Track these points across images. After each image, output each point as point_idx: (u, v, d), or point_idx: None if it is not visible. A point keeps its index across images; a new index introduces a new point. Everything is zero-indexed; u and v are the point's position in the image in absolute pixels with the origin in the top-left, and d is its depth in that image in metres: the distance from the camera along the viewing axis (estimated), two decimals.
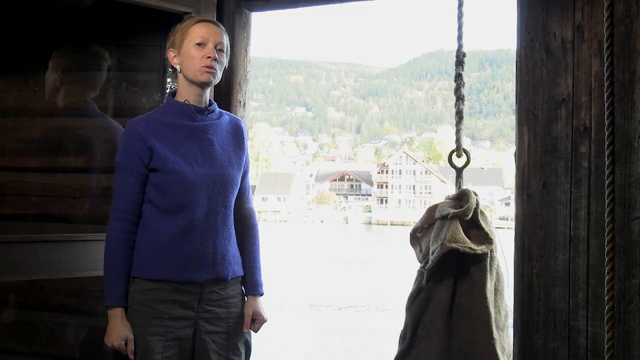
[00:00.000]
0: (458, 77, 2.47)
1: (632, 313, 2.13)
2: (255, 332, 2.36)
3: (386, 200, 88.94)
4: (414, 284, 2.36)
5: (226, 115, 2.38)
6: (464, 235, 2.29)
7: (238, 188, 2.32)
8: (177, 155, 2.20)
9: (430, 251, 2.29)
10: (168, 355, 2.17)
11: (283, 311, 17.00)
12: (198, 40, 2.24)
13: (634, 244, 2.14)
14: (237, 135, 2.37)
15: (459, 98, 2.47)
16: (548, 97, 2.29)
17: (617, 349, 2.08)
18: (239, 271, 2.33)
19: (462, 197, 2.36)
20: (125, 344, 2.15)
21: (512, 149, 2.44)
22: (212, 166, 2.24)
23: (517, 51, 2.35)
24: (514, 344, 2.35)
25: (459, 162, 2.44)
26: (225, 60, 2.33)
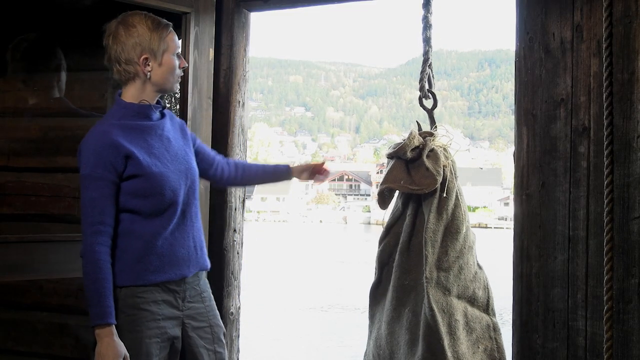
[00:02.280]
0: (424, 19, 2.48)
1: (631, 313, 2.13)
2: (325, 177, 2.58)
3: None
4: (386, 220, 2.47)
5: (164, 112, 2.33)
6: (405, 175, 2.35)
7: (198, 179, 2.33)
8: (152, 157, 2.17)
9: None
10: (163, 356, 2.16)
11: (286, 313, 17.00)
12: (178, 51, 2.24)
13: (633, 244, 2.14)
14: (180, 128, 2.35)
15: (425, 41, 2.48)
16: (547, 97, 2.29)
17: (616, 348, 2.09)
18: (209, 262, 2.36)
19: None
20: None
21: (511, 149, 2.44)
22: (179, 162, 2.24)
23: (516, 51, 2.35)
24: (513, 344, 2.35)
25: (428, 104, 2.48)
26: None
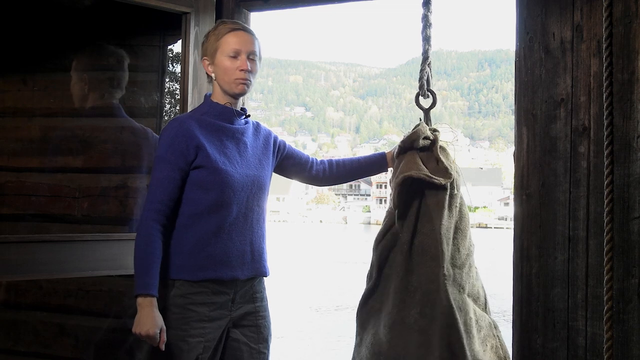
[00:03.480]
0: (424, 18, 2.47)
1: (630, 313, 2.13)
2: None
3: (385, 200, 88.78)
4: (382, 224, 2.39)
5: (249, 121, 2.43)
6: (421, 165, 2.32)
7: (267, 190, 2.40)
8: (222, 154, 2.25)
9: (392, 187, 2.33)
10: (207, 355, 2.21)
11: (288, 312, 17.00)
12: (231, 53, 2.28)
13: (633, 244, 2.14)
14: (264, 140, 2.43)
15: (425, 39, 2.47)
16: (547, 97, 2.29)
17: (616, 349, 2.08)
18: (269, 270, 2.41)
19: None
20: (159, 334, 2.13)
21: (511, 149, 2.44)
22: (249, 167, 2.32)
23: (516, 51, 2.35)
24: (513, 344, 2.35)
25: (425, 103, 2.45)
26: (258, 67, 2.37)
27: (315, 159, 2.63)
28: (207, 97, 2.37)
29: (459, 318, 2.21)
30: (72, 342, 3.25)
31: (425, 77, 2.45)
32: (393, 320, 2.28)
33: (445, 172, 2.30)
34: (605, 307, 2.06)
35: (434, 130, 2.41)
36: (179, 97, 2.94)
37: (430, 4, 2.46)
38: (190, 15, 2.82)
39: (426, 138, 2.36)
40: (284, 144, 2.53)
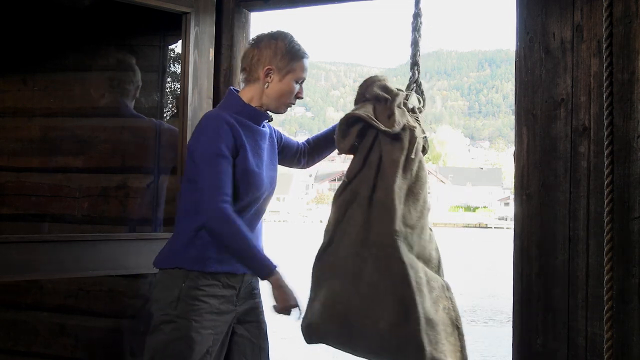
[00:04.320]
0: (414, 44, 2.48)
1: (631, 313, 2.13)
2: None
3: None
4: (342, 181, 2.41)
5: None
6: (371, 111, 2.36)
7: None
8: (255, 156, 2.31)
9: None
10: (215, 349, 2.25)
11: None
12: (300, 79, 2.36)
13: (633, 244, 2.14)
14: (270, 138, 2.47)
15: (414, 63, 2.49)
16: (547, 97, 2.29)
17: (616, 349, 2.08)
18: None
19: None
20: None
21: (511, 149, 2.44)
22: (269, 169, 2.39)
23: (516, 51, 2.35)
24: (513, 344, 2.35)
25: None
26: None
27: (301, 143, 2.69)
28: (238, 96, 2.37)
29: (411, 274, 2.23)
30: (72, 342, 3.25)
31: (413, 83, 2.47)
32: (346, 274, 2.29)
33: (392, 124, 2.33)
34: (605, 307, 2.06)
35: (399, 90, 2.44)
36: (179, 97, 2.94)
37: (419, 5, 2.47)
38: (190, 15, 2.82)
39: (386, 91, 2.39)
40: (280, 135, 2.58)
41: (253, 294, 2.39)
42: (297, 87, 2.37)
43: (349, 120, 2.36)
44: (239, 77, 2.45)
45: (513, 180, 2.39)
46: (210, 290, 2.23)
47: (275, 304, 2.25)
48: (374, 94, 2.39)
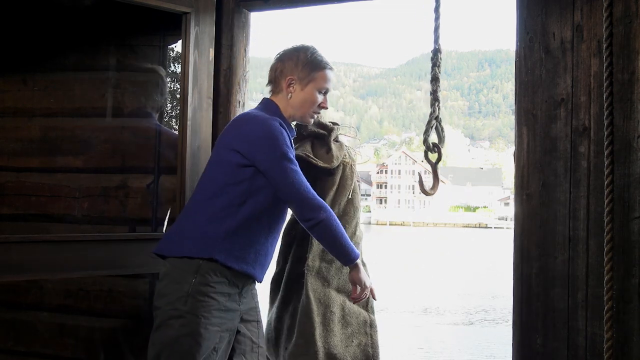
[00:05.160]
0: (434, 80, 2.51)
1: (631, 313, 2.13)
2: None
3: (385, 200, 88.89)
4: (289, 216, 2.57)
5: None
6: (309, 148, 2.55)
7: None
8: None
9: None
10: (222, 346, 2.26)
11: None
12: (323, 89, 2.43)
13: (633, 243, 2.14)
14: None
15: (435, 99, 2.52)
16: (547, 97, 2.29)
17: (616, 349, 2.08)
18: None
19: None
20: None
21: (512, 149, 2.44)
22: None
23: (517, 51, 2.35)
24: (513, 344, 2.35)
25: (433, 157, 2.55)
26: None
27: None
28: (277, 107, 2.42)
29: (314, 309, 2.41)
30: (72, 342, 3.25)
31: (431, 131, 2.50)
32: (279, 303, 2.51)
33: (330, 159, 2.49)
34: (605, 307, 2.06)
35: (334, 124, 2.60)
36: (179, 97, 2.94)
37: (440, 64, 2.54)
38: (190, 15, 2.82)
39: (322, 127, 2.55)
40: None
41: (252, 294, 2.40)
42: (320, 97, 2.43)
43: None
44: (266, 88, 2.49)
45: (513, 180, 2.39)
46: (218, 288, 2.23)
47: (355, 289, 2.37)
48: (310, 131, 2.56)
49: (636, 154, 2.14)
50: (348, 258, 2.32)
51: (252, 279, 2.34)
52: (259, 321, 2.43)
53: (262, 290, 2.46)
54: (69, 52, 3.21)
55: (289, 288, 2.55)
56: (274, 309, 2.60)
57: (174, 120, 3.23)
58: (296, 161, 2.29)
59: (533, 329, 2.29)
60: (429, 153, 2.50)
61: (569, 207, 2.25)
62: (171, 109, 3.27)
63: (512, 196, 2.49)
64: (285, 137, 2.28)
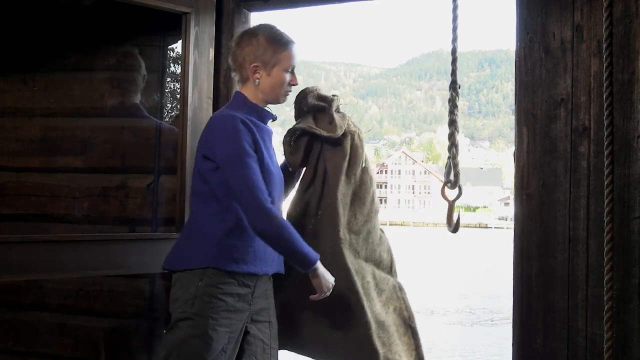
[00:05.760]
0: (452, 124, 2.39)
1: (631, 313, 2.13)
2: None
3: (385, 200, 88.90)
4: (296, 192, 2.50)
5: None
6: (311, 120, 2.45)
7: None
8: (268, 155, 2.32)
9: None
10: (230, 346, 2.25)
11: None
12: (289, 68, 2.35)
13: (633, 243, 2.14)
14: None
15: (453, 144, 2.40)
16: (547, 97, 2.29)
17: (616, 348, 2.08)
18: None
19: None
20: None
21: (511, 149, 2.44)
22: (278, 168, 2.40)
23: (516, 51, 2.35)
24: (513, 344, 2.35)
25: (451, 194, 2.40)
26: None
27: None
28: (245, 98, 2.36)
29: (356, 280, 2.34)
30: (72, 342, 3.25)
31: (452, 170, 2.40)
32: (299, 283, 2.34)
33: (334, 128, 2.41)
34: (605, 307, 2.06)
35: (334, 95, 2.52)
36: (179, 97, 2.94)
37: (458, 93, 2.41)
38: (190, 15, 2.82)
39: (322, 99, 2.48)
40: None
41: (266, 294, 2.38)
42: (288, 76, 2.35)
43: (293, 135, 2.45)
44: (235, 78, 2.43)
45: (513, 180, 2.39)
46: (226, 289, 2.23)
47: (315, 293, 2.29)
48: (310, 105, 2.48)
49: (636, 154, 2.14)
50: (305, 263, 2.23)
51: (262, 275, 2.32)
52: (270, 322, 2.39)
53: None
54: (69, 52, 3.20)
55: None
56: (291, 290, 2.43)
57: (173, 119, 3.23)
58: (253, 160, 2.20)
59: (533, 329, 2.29)
60: (446, 188, 2.40)
61: (569, 207, 2.25)
62: (171, 109, 3.27)
63: (512, 196, 2.48)
64: (240, 133, 2.21)
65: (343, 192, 2.38)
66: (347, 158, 2.42)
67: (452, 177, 2.39)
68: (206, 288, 2.21)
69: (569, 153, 2.26)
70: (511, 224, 2.48)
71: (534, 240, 2.30)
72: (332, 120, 2.43)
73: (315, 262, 2.24)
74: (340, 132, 2.40)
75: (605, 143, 2.09)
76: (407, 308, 2.46)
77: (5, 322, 3.31)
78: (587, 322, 2.20)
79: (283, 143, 2.46)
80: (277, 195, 2.34)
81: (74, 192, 3.22)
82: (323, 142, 2.44)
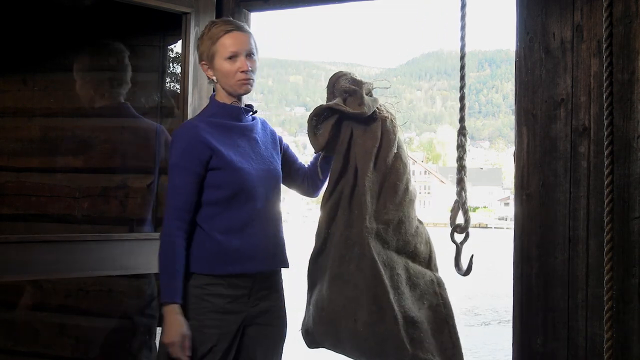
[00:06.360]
0: (461, 155, 2.36)
1: (631, 313, 2.13)
2: None
3: None
4: (328, 182, 2.37)
5: (257, 117, 2.46)
6: (341, 102, 2.31)
7: (281, 183, 2.42)
8: (236, 153, 2.29)
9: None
10: (222, 348, 2.23)
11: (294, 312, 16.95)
12: (229, 55, 2.29)
13: (633, 244, 2.14)
14: (271, 134, 2.46)
15: (462, 189, 2.35)
16: (547, 97, 2.29)
17: (616, 349, 2.08)
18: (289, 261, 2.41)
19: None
20: (183, 342, 2.18)
21: (511, 149, 2.44)
22: (263, 162, 2.35)
23: (516, 51, 2.35)
24: (513, 344, 2.35)
25: (459, 237, 2.38)
26: (257, 63, 2.36)
27: (305, 165, 2.58)
28: (213, 98, 2.39)
29: (383, 272, 2.19)
30: (72, 342, 3.25)
31: (466, 216, 2.36)
32: (332, 276, 2.27)
33: (362, 108, 2.27)
34: (605, 307, 2.06)
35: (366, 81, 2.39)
36: (179, 97, 2.93)
37: (466, 134, 2.37)
38: (190, 15, 2.82)
39: (354, 82, 2.34)
40: (286, 145, 2.55)
41: (271, 297, 2.35)
42: (230, 63, 2.28)
43: (319, 114, 2.31)
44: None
45: (513, 180, 2.39)
46: (213, 290, 2.23)
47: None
48: (341, 89, 2.34)
49: (636, 154, 2.14)
50: (162, 295, 2.20)
51: (257, 275, 2.28)
52: (274, 325, 2.36)
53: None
54: (69, 52, 3.20)
55: (342, 259, 2.26)
56: (325, 284, 2.30)
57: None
58: (187, 172, 2.22)
59: (533, 329, 2.29)
60: (455, 234, 2.36)
61: (569, 207, 2.25)
62: (171, 109, 3.27)
63: (512, 196, 2.48)
64: (181, 144, 2.25)
65: (372, 179, 2.25)
66: (378, 144, 2.27)
67: (461, 220, 2.34)
68: (192, 289, 2.23)
69: (569, 153, 2.26)
70: (511, 224, 2.48)
71: (534, 240, 2.30)
72: (361, 102, 2.29)
73: (165, 302, 2.18)
74: (368, 112, 2.27)
75: (605, 143, 2.09)
76: (446, 305, 2.28)
77: (5, 322, 3.32)
78: (587, 322, 2.20)
79: (308, 124, 2.33)
80: (248, 194, 2.27)
81: (74, 192, 3.22)
82: (353, 127, 2.31)
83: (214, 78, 2.33)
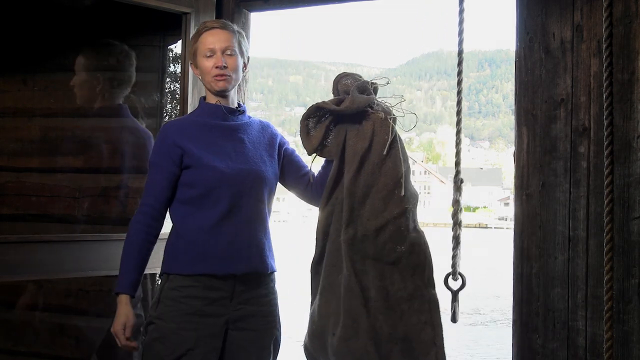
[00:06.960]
0: (457, 210, 2.28)
1: (631, 313, 2.13)
2: None
3: None
4: (325, 189, 2.28)
5: (256, 119, 2.46)
6: (334, 103, 2.27)
7: (271, 185, 2.37)
8: (210, 152, 2.28)
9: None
10: (202, 351, 2.21)
11: (293, 313, 16.96)
12: (207, 53, 2.31)
13: (633, 244, 2.14)
14: (270, 137, 2.43)
15: (458, 242, 2.27)
16: (547, 97, 2.29)
17: (616, 349, 2.08)
18: (274, 266, 2.35)
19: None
20: (124, 331, 2.21)
21: (511, 149, 2.44)
22: (245, 162, 2.31)
23: (516, 51, 2.35)
24: (513, 344, 2.35)
25: (454, 285, 2.27)
26: (239, 61, 2.34)
27: (311, 171, 2.48)
28: (200, 98, 2.43)
29: (356, 284, 2.08)
30: (72, 342, 3.25)
31: (459, 259, 2.27)
32: (322, 287, 2.20)
33: (346, 104, 2.22)
34: (605, 307, 2.05)
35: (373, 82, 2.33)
36: (179, 97, 2.94)
37: (460, 166, 2.35)
38: (190, 15, 2.82)
39: (354, 82, 2.31)
40: (291, 150, 2.50)
41: (259, 301, 2.29)
42: (210, 59, 2.30)
43: (311, 116, 2.28)
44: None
45: (513, 180, 2.39)
46: (189, 292, 2.21)
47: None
48: (343, 88, 2.31)
49: (636, 154, 2.15)
50: (116, 285, 2.24)
51: (240, 277, 2.24)
52: (259, 330, 2.28)
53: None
54: (69, 52, 3.20)
55: (332, 268, 2.17)
56: (317, 296, 2.22)
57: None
58: (159, 170, 2.27)
59: (533, 329, 2.29)
60: (450, 279, 2.26)
61: (569, 207, 2.25)
62: (171, 109, 3.27)
63: (512, 196, 2.48)
64: (158, 143, 2.31)
65: (355, 183, 2.14)
66: (367, 145, 2.17)
67: (456, 267, 2.27)
68: (168, 292, 2.24)
69: (569, 153, 2.26)
70: (511, 224, 2.48)
71: (534, 240, 2.30)
72: (352, 100, 2.22)
73: (117, 292, 2.23)
74: (350, 108, 2.18)
75: (605, 143, 2.09)
76: (434, 326, 2.10)
77: (5, 322, 3.32)
78: (587, 322, 2.20)
79: (300, 124, 2.32)
80: (224, 193, 2.24)
81: (74, 192, 3.22)
82: (347, 129, 2.22)
83: (199, 77, 2.38)
